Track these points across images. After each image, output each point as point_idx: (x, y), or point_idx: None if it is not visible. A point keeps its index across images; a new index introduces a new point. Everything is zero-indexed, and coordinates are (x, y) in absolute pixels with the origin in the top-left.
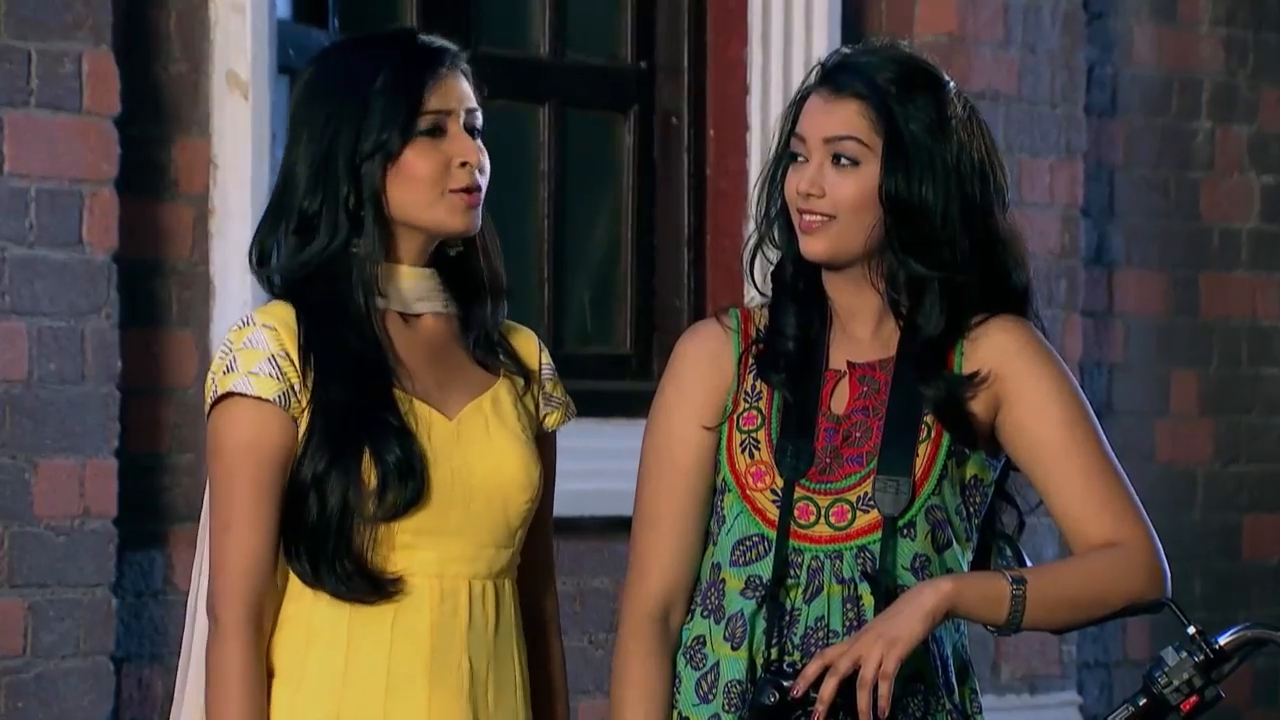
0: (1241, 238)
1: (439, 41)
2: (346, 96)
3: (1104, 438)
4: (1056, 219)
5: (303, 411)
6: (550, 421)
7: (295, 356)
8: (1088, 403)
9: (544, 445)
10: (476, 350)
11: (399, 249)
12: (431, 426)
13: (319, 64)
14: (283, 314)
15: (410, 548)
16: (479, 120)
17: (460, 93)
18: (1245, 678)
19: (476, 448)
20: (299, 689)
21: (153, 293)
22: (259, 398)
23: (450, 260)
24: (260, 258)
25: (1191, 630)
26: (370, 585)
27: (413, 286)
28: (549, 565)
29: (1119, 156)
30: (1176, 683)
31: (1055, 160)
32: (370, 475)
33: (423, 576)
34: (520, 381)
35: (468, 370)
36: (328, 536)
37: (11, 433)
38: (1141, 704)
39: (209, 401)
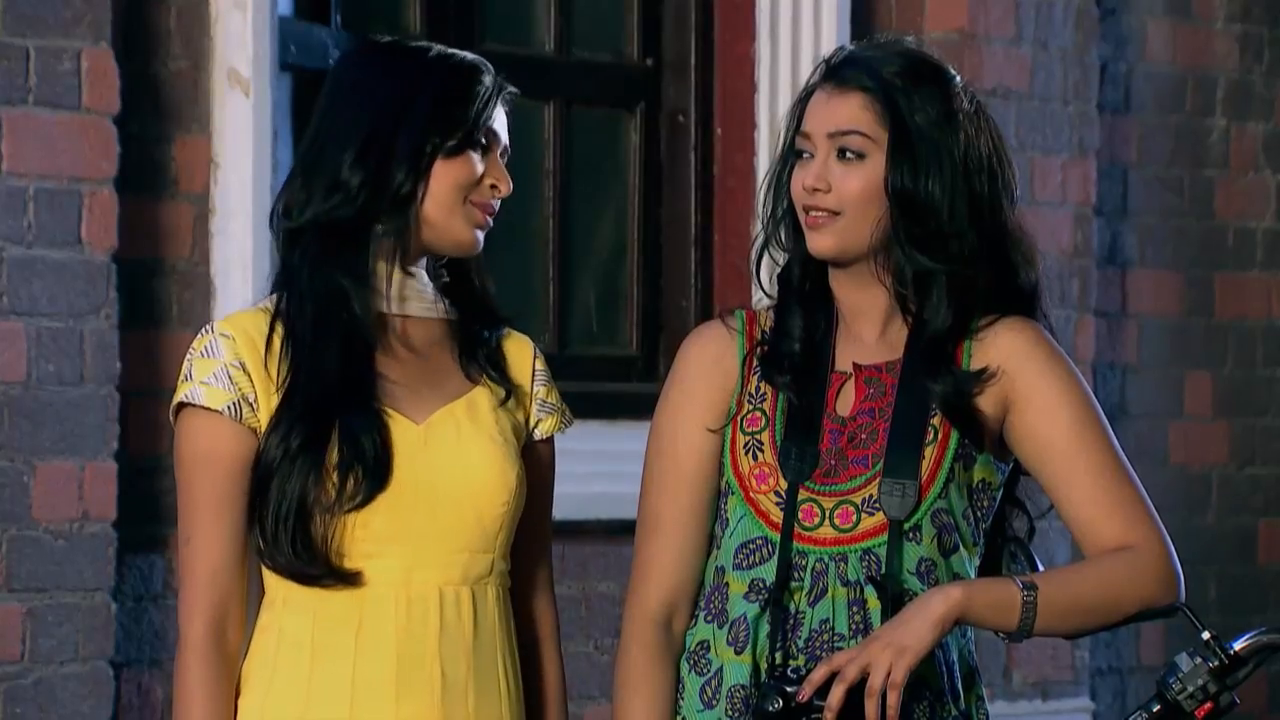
0: (1257, 237)
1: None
2: (414, 86)
3: (1115, 439)
4: (1069, 218)
5: (260, 422)
6: (543, 429)
7: (252, 366)
8: (1098, 404)
9: (536, 453)
10: (463, 356)
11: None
12: (393, 431)
13: (373, 56)
14: (247, 321)
15: (373, 555)
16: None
17: (505, 126)
18: (1261, 683)
19: (446, 453)
20: (268, 694)
21: (153, 293)
22: (208, 408)
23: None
24: (285, 216)
25: (1206, 635)
26: (324, 570)
27: (410, 284)
28: (546, 578)
29: (1132, 154)
30: (1191, 689)
31: (1067, 158)
32: (333, 461)
33: (387, 585)
34: (501, 392)
35: (448, 375)
36: (286, 518)
37: (10, 435)
38: (1155, 710)
39: (170, 412)
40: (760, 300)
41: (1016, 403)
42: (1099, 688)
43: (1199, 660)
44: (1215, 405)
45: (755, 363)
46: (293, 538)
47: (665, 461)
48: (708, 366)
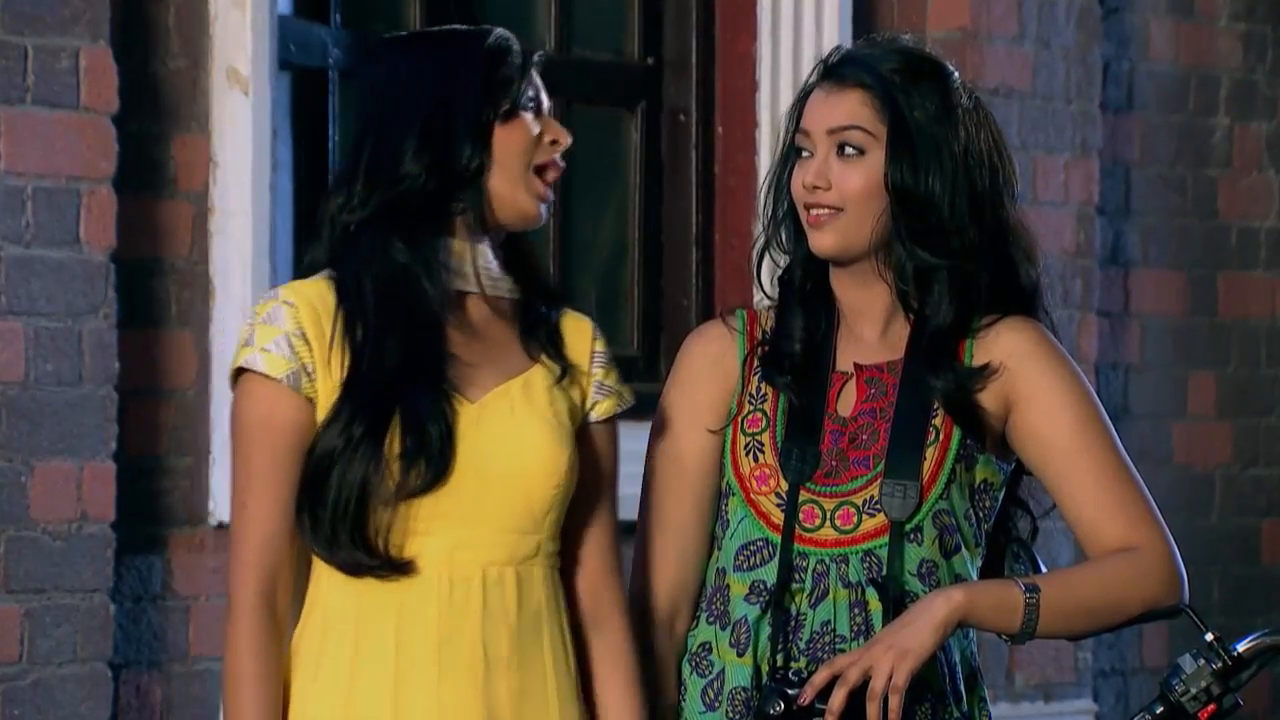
0: (1260, 236)
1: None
2: (457, 67)
3: (1117, 440)
4: (1071, 217)
5: (317, 392)
6: (600, 410)
7: (313, 335)
8: (1100, 404)
9: (595, 434)
10: (524, 334)
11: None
12: (451, 410)
13: (405, 47)
14: (311, 289)
15: (422, 533)
16: None
17: (542, 86)
18: (1264, 685)
19: (498, 432)
20: (316, 676)
21: (151, 292)
22: (267, 375)
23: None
24: (332, 224)
25: (1209, 637)
26: (382, 562)
27: (480, 261)
28: (609, 560)
29: (1135, 154)
30: (1194, 690)
31: (1070, 158)
32: (395, 449)
33: (430, 565)
34: (557, 369)
35: (506, 353)
36: (345, 509)
37: (8, 435)
38: (1158, 712)
39: (229, 375)
40: (761, 301)
41: (1018, 403)
42: (1102, 689)
43: (1202, 662)
44: (1218, 405)
45: (756, 363)
46: (351, 531)
47: (665, 461)
48: (708, 367)
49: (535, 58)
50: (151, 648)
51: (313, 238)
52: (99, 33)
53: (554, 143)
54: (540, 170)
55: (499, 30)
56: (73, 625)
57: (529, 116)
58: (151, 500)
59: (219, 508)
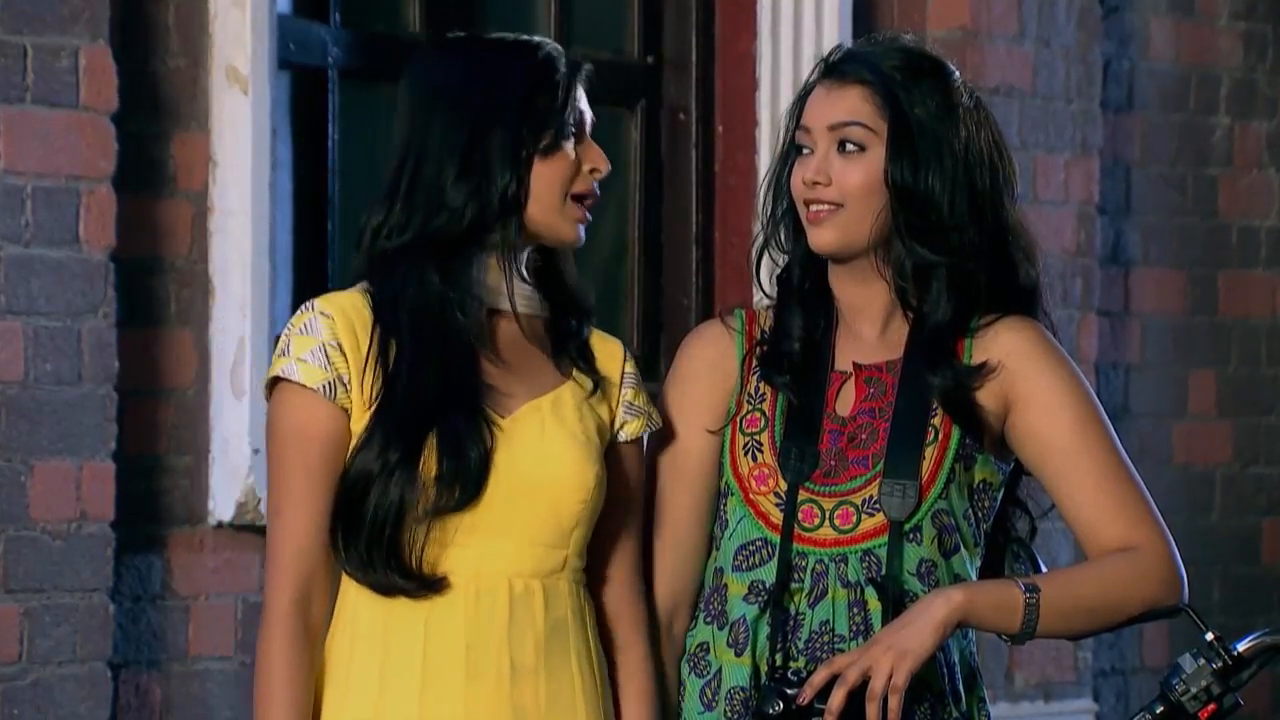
0: (1260, 235)
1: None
2: (501, 88)
3: (1117, 440)
4: (1072, 216)
5: (352, 403)
6: (629, 430)
7: (349, 347)
8: (1100, 404)
9: (623, 454)
10: (555, 350)
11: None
12: (488, 432)
13: (450, 57)
14: (347, 302)
15: (451, 545)
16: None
17: (586, 103)
18: (1264, 685)
19: (528, 447)
20: (346, 689)
21: (151, 292)
22: (303, 385)
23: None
24: (380, 237)
25: (1209, 636)
26: (414, 582)
27: (515, 281)
28: (632, 580)
29: (1135, 153)
30: (1194, 690)
31: (1070, 157)
32: (431, 470)
33: (459, 575)
34: (589, 384)
35: (537, 370)
36: (381, 532)
37: (7, 434)
38: (1159, 711)
39: (265, 384)
40: (760, 300)
41: (1017, 402)
42: (1102, 689)
43: (1202, 661)
44: (1219, 404)
45: (755, 363)
46: (387, 554)
47: (664, 462)
48: (707, 367)
49: (581, 73)
50: (151, 647)
51: (354, 245)
52: (98, 32)
53: (593, 171)
54: (578, 198)
55: (547, 47)
56: (72, 625)
57: (569, 145)
58: (151, 500)
59: (218, 507)
